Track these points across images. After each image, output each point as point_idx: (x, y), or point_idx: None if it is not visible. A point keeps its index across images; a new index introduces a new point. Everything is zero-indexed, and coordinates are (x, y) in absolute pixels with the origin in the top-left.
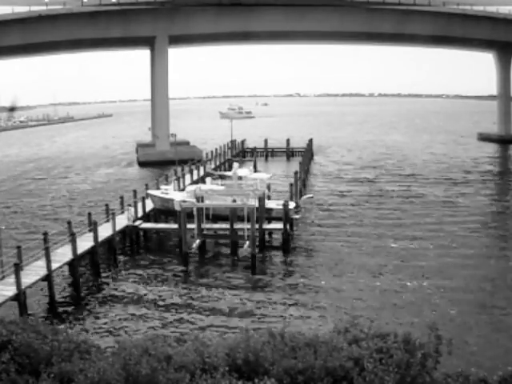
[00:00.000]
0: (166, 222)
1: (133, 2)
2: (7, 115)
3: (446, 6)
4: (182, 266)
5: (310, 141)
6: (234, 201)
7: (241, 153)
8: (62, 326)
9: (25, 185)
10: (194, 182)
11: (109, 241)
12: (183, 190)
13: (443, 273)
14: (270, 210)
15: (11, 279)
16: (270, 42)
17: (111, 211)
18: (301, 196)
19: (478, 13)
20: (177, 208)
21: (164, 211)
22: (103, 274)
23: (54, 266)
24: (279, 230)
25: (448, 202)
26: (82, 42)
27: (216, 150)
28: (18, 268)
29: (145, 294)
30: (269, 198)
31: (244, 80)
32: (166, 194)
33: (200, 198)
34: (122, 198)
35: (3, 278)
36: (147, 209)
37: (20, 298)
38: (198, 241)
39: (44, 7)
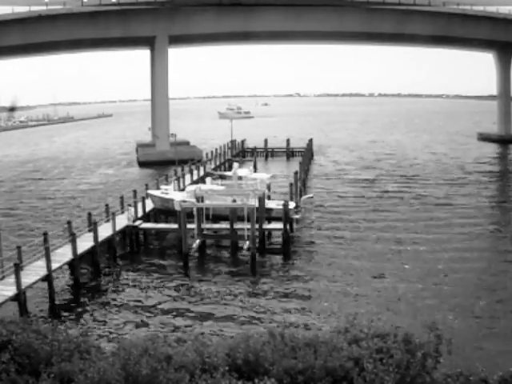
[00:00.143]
0: (166, 222)
1: (133, 1)
2: (7, 115)
3: (446, 6)
4: (181, 266)
5: (310, 141)
6: (234, 201)
7: (241, 153)
8: (62, 326)
9: (25, 185)
10: (194, 182)
11: (109, 241)
12: (183, 189)
13: (443, 273)
14: (270, 209)
15: (11, 279)
16: (269, 42)
17: (111, 211)
18: (301, 196)
19: (477, 13)
20: (177, 208)
21: (164, 211)
22: (103, 274)
23: (54, 265)
24: (279, 230)
25: (448, 203)
26: (81, 42)
27: (216, 150)
28: (18, 268)
29: (144, 294)
30: (269, 198)
31: (244, 80)
32: (166, 193)
33: (200, 198)
34: (122, 197)
35: (3, 277)
36: (147, 209)
37: (20, 298)
38: (198, 241)
39: (44, 7)
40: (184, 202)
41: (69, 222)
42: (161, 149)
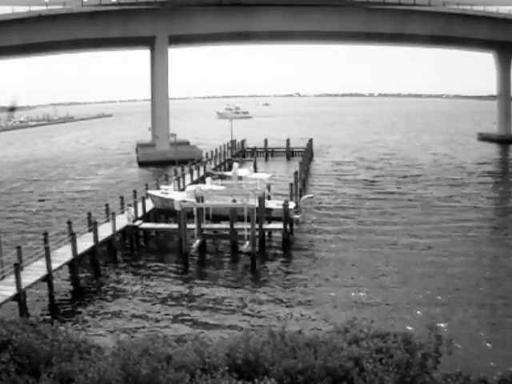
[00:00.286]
0: (166, 222)
1: (133, 1)
2: (7, 115)
3: (446, 6)
4: (182, 266)
5: (310, 141)
6: (234, 201)
7: (241, 153)
8: (62, 326)
9: (24, 185)
10: (194, 182)
11: (109, 241)
12: (183, 190)
13: (443, 274)
14: (270, 209)
15: (11, 279)
16: (269, 42)
17: (111, 211)
18: (301, 196)
19: (477, 13)
20: (177, 208)
21: (164, 211)
22: (103, 274)
23: (54, 265)
24: (279, 229)
25: (448, 203)
26: (81, 42)
27: (216, 150)
28: (18, 268)
29: (145, 294)
30: (269, 198)
31: (244, 80)
32: (166, 193)
33: (200, 198)
34: (122, 198)
35: (3, 277)
36: (147, 209)
37: (20, 298)
38: (198, 241)
39: (44, 7)
40: (184, 202)
41: (69, 222)
42: (161, 149)
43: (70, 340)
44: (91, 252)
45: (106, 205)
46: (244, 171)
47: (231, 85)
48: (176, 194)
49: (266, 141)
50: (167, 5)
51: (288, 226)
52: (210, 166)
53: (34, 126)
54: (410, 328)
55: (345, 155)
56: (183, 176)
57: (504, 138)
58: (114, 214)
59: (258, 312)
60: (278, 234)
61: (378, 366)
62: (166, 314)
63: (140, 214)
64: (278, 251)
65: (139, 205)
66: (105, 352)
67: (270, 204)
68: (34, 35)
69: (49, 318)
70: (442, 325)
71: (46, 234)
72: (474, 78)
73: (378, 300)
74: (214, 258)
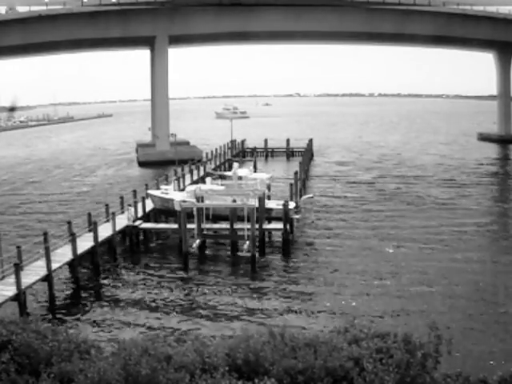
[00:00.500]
0: (166, 222)
1: (133, 1)
2: (7, 115)
3: (446, 6)
4: (181, 266)
5: (310, 141)
6: (234, 201)
7: (241, 153)
8: (62, 326)
9: (24, 185)
10: (194, 182)
11: (109, 241)
12: (183, 190)
13: (443, 274)
14: (270, 209)
15: (11, 279)
16: (269, 42)
17: (111, 211)
18: (301, 196)
19: (478, 13)
20: (177, 208)
21: (164, 211)
22: (103, 274)
23: (54, 266)
24: (279, 230)
25: (449, 204)
26: (81, 42)
27: (216, 150)
28: (18, 268)
29: (145, 294)
30: (269, 198)
31: (244, 80)
32: (166, 193)
33: (200, 198)
34: (122, 198)
35: (3, 277)
36: (147, 209)
37: (20, 298)
38: (198, 241)
39: (44, 7)
40: (184, 201)
41: (69, 222)
42: (161, 149)
43: (70, 340)
44: (91, 252)
45: (106, 205)
46: (244, 171)
47: (231, 85)
48: (176, 194)
49: (265, 141)
50: (167, 5)
51: (288, 226)
52: (210, 166)
53: (34, 126)
54: (410, 328)
55: (345, 155)
56: (183, 176)
57: (504, 137)
58: (113, 213)
59: (258, 312)
60: (278, 234)
61: (378, 366)
62: (166, 314)
63: (140, 213)
64: (278, 251)
65: (139, 205)
66: (105, 352)
67: (269, 204)
68: (34, 35)
69: (49, 318)
70: (441, 325)
71: (45, 234)
72: (474, 78)
73: (378, 300)
74: (213, 258)
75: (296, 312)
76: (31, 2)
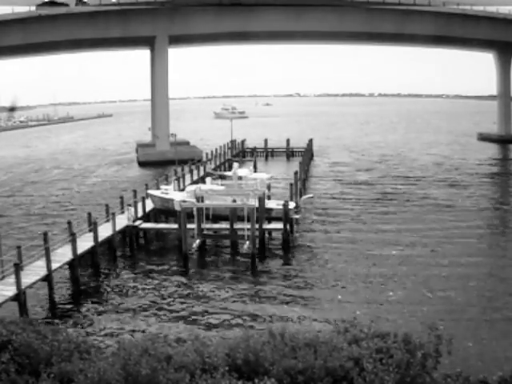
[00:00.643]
0: (166, 222)
1: (133, 1)
2: (7, 115)
3: (446, 6)
4: (181, 266)
5: (310, 141)
6: (234, 201)
7: (241, 153)
8: (62, 326)
9: (24, 186)
10: (194, 182)
11: (109, 241)
12: (183, 190)
13: (443, 275)
14: (270, 209)
15: (11, 279)
16: (269, 42)
17: (111, 211)
18: (301, 196)
19: (477, 13)
20: (177, 208)
21: (164, 211)
22: (103, 274)
23: (54, 266)
24: (279, 230)
25: (449, 205)
26: (81, 42)
27: (216, 150)
28: (18, 268)
29: (145, 294)
30: (269, 198)
31: (244, 80)
32: (166, 193)
33: (200, 198)
34: (122, 198)
35: (3, 277)
36: (147, 209)
37: (20, 298)
38: (198, 241)
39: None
40: (184, 201)
41: (69, 222)
42: (161, 149)
43: (70, 340)
44: (91, 252)
45: (106, 205)
46: (244, 171)
47: (231, 85)
48: (176, 194)
49: (265, 141)
50: (167, 5)
51: (288, 226)
52: (210, 166)
53: (34, 126)
54: (410, 328)
55: (345, 155)
56: (183, 176)
57: (504, 137)
58: (114, 213)
59: (258, 312)
60: (278, 234)
61: (378, 366)
62: (165, 314)
63: (140, 213)
64: (278, 251)
65: (139, 205)
66: (105, 352)
67: (270, 204)
68: (34, 35)
69: (49, 318)
70: (441, 325)
71: (45, 233)
72: (474, 78)
73: (378, 300)
74: (213, 257)
75: (296, 312)
76: (31, 2)
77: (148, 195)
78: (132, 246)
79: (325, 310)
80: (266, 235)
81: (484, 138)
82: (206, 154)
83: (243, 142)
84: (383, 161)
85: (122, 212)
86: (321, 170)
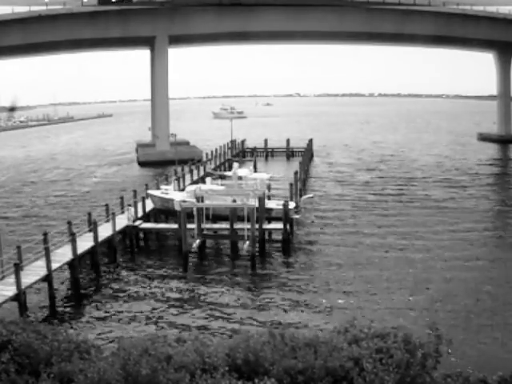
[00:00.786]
0: (166, 222)
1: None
2: (7, 115)
3: (446, 6)
4: (181, 266)
5: (310, 141)
6: (234, 201)
7: (241, 153)
8: (62, 326)
9: (24, 186)
10: (194, 182)
11: (109, 241)
12: (183, 190)
13: (444, 274)
14: (270, 209)
15: (11, 279)
16: (269, 42)
17: (111, 211)
18: (301, 196)
19: (478, 13)
20: (177, 208)
21: (164, 211)
22: (103, 274)
23: (54, 265)
24: (279, 230)
25: (449, 205)
26: (81, 42)
27: (216, 150)
28: (18, 268)
29: (145, 294)
30: (269, 198)
31: (244, 80)
32: (166, 193)
33: (200, 198)
34: (122, 198)
35: (3, 278)
36: (147, 209)
37: (20, 298)
38: (198, 241)
39: (44, 7)
40: (184, 201)
41: (69, 222)
42: (161, 149)
43: (70, 340)
44: (91, 252)
45: (106, 205)
46: (244, 171)
47: (231, 85)
48: (176, 194)
49: (265, 141)
50: (167, 5)
51: (288, 226)
52: (210, 166)
53: (34, 126)
54: (410, 328)
55: (345, 155)
56: (183, 176)
57: (504, 137)
58: (114, 214)
59: (258, 312)
60: (278, 234)
61: (378, 366)
62: (165, 314)
63: (140, 213)
64: (278, 251)
65: (139, 205)
66: (105, 352)
67: (269, 204)
68: (34, 35)
69: (49, 318)
70: (441, 325)
71: (45, 234)
72: (474, 78)
73: (378, 300)
74: (213, 257)
75: (296, 312)
76: (31, 2)
77: (148, 195)
78: (132, 246)
79: (325, 310)
80: (266, 235)
81: (484, 138)
82: (206, 154)
83: (243, 142)
84: (383, 161)
85: (122, 212)
86: (321, 170)
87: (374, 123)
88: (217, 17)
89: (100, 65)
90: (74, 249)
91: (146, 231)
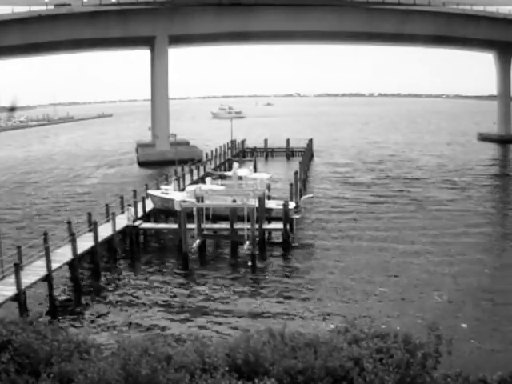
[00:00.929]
0: (166, 222)
1: (132, 1)
2: (7, 115)
3: (446, 6)
4: (181, 266)
5: (310, 141)
6: (234, 201)
7: (241, 153)
8: (62, 326)
9: (24, 186)
10: (194, 182)
11: (109, 241)
12: (183, 190)
13: (444, 275)
14: (270, 209)
15: (11, 279)
16: (269, 42)
17: (111, 211)
18: (301, 196)
19: (478, 13)
20: (177, 208)
21: (164, 211)
22: (103, 274)
23: (54, 265)
24: (279, 230)
25: (449, 205)
26: (81, 42)
27: (216, 150)
28: (18, 268)
29: (145, 294)
30: (269, 198)
31: (244, 80)
32: (166, 194)
33: (200, 198)
34: (122, 198)
35: (3, 277)
36: (147, 209)
37: (20, 298)
38: (198, 241)
39: (44, 7)
40: (184, 201)
41: (69, 222)
42: (161, 149)
43: (70, 340)
44: (91, 252)
45: (106, 205)
46: (244, 171)
47: (231, 85)
48: (176, 194)
49: (265, 141)
50: (167, 5)
51: (288, 226)
52: (210, 166)
53: (34, 125)
54: (410, 328)
55: (345, 155)
56: (183, 176)
57: (504, 137)
58: (113, 214)
59: (258, 312)
60: (278, 234)
61: (378, 366)
62: (165, 314)
63: (140, 213)
64: (278, 251)
65: (139, 205)
66: (105, 352)
67: (269, 204)
68: (34, 35)
69: (49, 318)
70: (441, 325)
71: (45, 234)
72: (474, 78)
73: (378, 300)
74: (213, 257)
75: (296, 312)
76: (31, 2)
77: (148, 195)
78: (132, 246)
79: (325, 309)
80: (266, 235)
81: (484, 138)
82: (206, 154)
83: (243, 142)
84: (384, 161)
85: (122, 212)
86: (321, 170)
87: (374, 123)
88: (216, 17)
89: (100, 65)
90: (74, 249)
91: (146, 231)
